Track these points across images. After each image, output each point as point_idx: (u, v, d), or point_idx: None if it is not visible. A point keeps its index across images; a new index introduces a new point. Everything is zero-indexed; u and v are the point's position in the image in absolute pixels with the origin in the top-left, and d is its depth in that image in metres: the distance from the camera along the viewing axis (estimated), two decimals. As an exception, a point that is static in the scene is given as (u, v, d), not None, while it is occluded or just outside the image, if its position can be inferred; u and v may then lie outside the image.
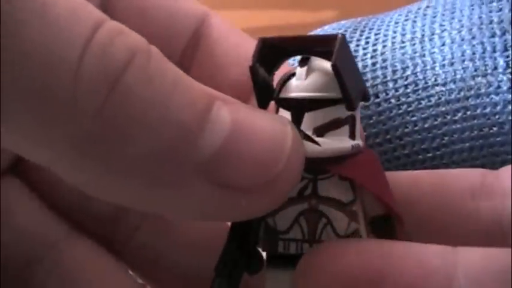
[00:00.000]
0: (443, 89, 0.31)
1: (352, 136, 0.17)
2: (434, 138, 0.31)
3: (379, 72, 0.33)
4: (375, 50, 0.34)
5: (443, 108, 0.31)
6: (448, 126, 0.31)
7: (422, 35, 0.33)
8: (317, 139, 0.17)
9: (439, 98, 0.31)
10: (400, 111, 0.32)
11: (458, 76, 0.31)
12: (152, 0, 0.23)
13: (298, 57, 0.18)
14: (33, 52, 0.14)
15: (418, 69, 0.32)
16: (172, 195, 0.15)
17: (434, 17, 0.34)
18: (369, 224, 0.18)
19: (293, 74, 0.17)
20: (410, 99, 0.32)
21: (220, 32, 0.23)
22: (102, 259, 0.21)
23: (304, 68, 0.17)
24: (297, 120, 0.17)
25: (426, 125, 0.31)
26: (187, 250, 0.23)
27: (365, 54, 0.34)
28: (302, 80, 0.17)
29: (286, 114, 0.17)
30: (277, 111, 0.18)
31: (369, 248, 0.17)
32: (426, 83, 0.32)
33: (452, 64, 0.31)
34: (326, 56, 0.17)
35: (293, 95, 0.17)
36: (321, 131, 0.17)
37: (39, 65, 0.14)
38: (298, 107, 0.17)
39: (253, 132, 0.15)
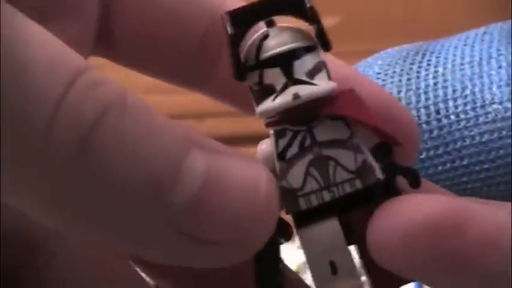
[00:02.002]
0: (500, 107, 0.34)
1: (330, 78, 0.18)
2: (491, 151, 0.35)
3: (440, 92, 0.37)
4: (436, 71, 0.38)
5: (499, 125, 0.34)
6: (503, 140, 0.34)
7: (480, 58, 0.37)
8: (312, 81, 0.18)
9: (496, 115, 0.35)
10: (459, 126, 0.36)
11: (514, 95, 0.34)
12: (158, 6, 0.22)
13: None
14: (7, 108, 0.13)
15: (477, 89, 0.36)
16: (142, 244, 0.15)
17: (491, 42, 0.38)
18: (372, 154, 0.18)
19: (264, 37, 0.18)
20: (469, 115, 0.36)
21: None
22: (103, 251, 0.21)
23: (275, 28, 0.18)
24: (288, 72, 0.18)
25: (483, 139, 0.35)
26: None
27: (427, 74, 0.38)
28: (277, 37, 0.18)
29: (273, 72, 0.18)
30: (261, 74, 0.18)
31: (447, 198, 0.17)
32: (484, 101, 0.35)
33: (508, 85, 0.35)
34: (295, 7, 0.18)
35: (277, 50, 0.18)
36: (311, 75, 0.18)
37: (12, 129, 0.13)
38: (286, 60, 0.18)
39: (227, 183, 0.15)
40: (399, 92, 0.38)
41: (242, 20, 0.18)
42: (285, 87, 0.18)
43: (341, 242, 0.18)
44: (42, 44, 0.14)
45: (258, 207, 0.15)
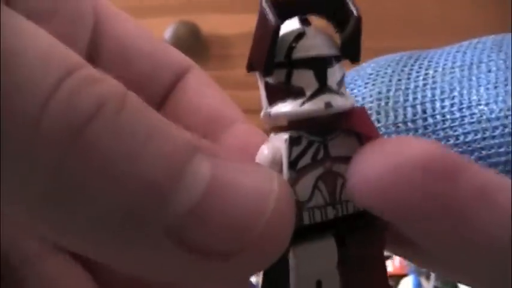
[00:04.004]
0: (485, 108, 0.34)
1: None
2: (473, 152, 0.34)
3: (428, 92, 0.37)
4: (426, 74, 0.38)
5: (484, 125, 0.34)
6: (486, 141, 0.34)
7: (471, 63, 0.37)
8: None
9: (481, 116, 0.34)
10: (445, 125, 0.35)
11: (500, 98, 0.34)
12: (138, 49, 0.22)
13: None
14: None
15: (465, 91, 0.36)
16: (137, 256, 0.14)
17: (483, 49, 0.38)
18: None
19: (299, 36, 0.17)
20: (454, 116, 0.35)
21: (197, 81, 0.23)
22: (75, 274, 0.20)
23: (311, 28, 0.17)
24: (322, 78, 0.17)
25: (467, 139, 0.34)
26: None
27: (417, 76, 0.38)
28: (313, 39, 0.17)
29: (305, 74, 0.17)
30: (290, 74, 0.17)
31: (441, 146, 0.16)
32: (470, 102, 0.35)
33: (496, 87, 0.35)
34: (334, 11, 0.17)
35: (315, 53, 0.17)
36: (339, 85, 0.17)
37: (4, 115, 0.13)
38: (321, 65, 0.17)
39: (232, 192, 0.14)
40: (388, 91, 0.38)
41: (283, 12, 0.16)
42: (316, 94, 0.17)
43: (334, 263, 0.18)
44: (35, 37, 0.14)
45: (269, 216, 0.14)
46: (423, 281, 0.89)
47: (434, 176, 0.15)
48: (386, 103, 0.38)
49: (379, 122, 0.38)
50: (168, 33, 0.93)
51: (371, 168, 0.16)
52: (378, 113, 0.38)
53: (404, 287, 0.91)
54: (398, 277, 0.92)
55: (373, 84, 0.39)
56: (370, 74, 0.40)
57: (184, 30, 0.97)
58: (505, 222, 0.15)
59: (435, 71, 0.38)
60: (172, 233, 0.14)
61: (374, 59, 0.43)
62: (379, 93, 0.38)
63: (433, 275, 0.86)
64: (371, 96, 0.39)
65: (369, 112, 0.41)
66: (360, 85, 0.40)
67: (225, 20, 0.96)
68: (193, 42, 0.92)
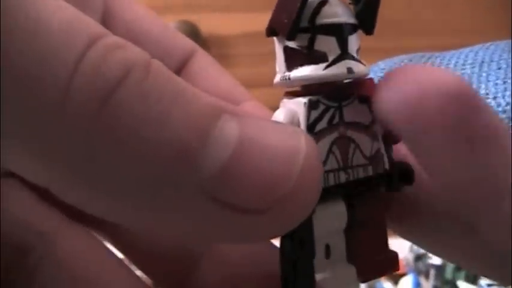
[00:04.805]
0: (493, 102, 0.35)
1: None
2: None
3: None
4: (437, 69, 0.39)
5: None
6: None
7: (482, 61, 0.38)
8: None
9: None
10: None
11: (508, 92, 0.35)
12: (147, 33, 0.23)
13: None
14: (22, 71, 0.13)
15: (474, 85, 0.36)
16: (172, 217, 0.14)
17: (495, 50, 0.39)
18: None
19: (322, 3, 0.17)
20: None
21: (202, 64, 0.23)
22: (98, 250, 0.20)
23: None
24: (343, 44, 0.17)
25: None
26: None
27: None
28: (335, 6, 0.17)
29: (329, 40, 0.17)
30: (313, 39, 0.17)
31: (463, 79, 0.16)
32: (478, 96, 0.36)
33: (504, 83, 0.35)
34: None
35: (337, 19, 0.17)
36: (357, 53, 0.18)
37: (28, 85, 0.13)
38: (343, 32, 0.17)
39: (261, 149, 0.14)
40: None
41: None
42: (339, 59, 0.17)
43: (343, 226, 0.18)
44: (58, 8, 0.14)
45: (297, 174, 0.14)
46: (422, 280, 0.90)
47: (457, 103, 0.15)
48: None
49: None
50: (168, 32, 0.94)
51: (402, 90, 0.16)
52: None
53: (404, 286, 0.92)
54: (398, 276, 0.92)
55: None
56: (383, 69, 0.41)
57: (184, 30, 0.97)
58: (508, 171, 0.16)
59: (447, 67, 0.38)
60: (206, 191, 0.14)
61: (387, 59, 0.43)
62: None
63: (432, 275, 0.87)
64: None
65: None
66: (371, 78, 0.41)
67: (225, 19, 0.97)
68: (193, 42, 0.92)
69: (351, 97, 0.18)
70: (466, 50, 0.39)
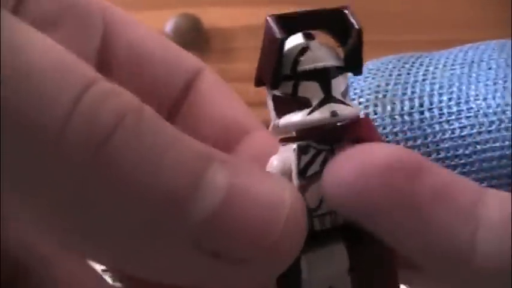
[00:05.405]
0: (483, 103, 0.34)
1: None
2: (468, 146, 0.34)
3: (427, 87, 0.37)
4: (427, 70, 0.38)
5: (480, 119, 0.34)
6: (482, 135, 0.34)
7: (472, 61, 0.37)
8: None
9: (478, 110, 0.34)
10: (441, 119, 0.35)
11: (498, 93, 0.34)
12: (150, 54, 0.22)
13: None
14: (15, 116, 0.13)
15: (463, 86, 0.36)
16: (159, 263, 0.15)
17: (485, 50, 0.38)
18: None
19: (303, 49, 0.18)
20: (451, 110, 0.35)
21: (209, 86, 0.23)
22: (92, 273, 0.20)
23: (315, 42, 0.18)
24: (326, 88, 0.17)
25: (463, 133, 0.34)
26: None
27: (417, 71, 0.38)
28: (317, 51, 0.18)
29: (311, 85, 0.17)
30: (296, 86, 0.18)
31: (406, 149, 0.17)
32: (468, 97, 0.35)
33: (495, 83, 0.35)
34: (337, 25, 0.18)
35: (319, 64, 0.17)
36: (344, 96, 0.18)
37: (22, 131, 0.13)
38: (325, 76, 0.17)
39: (249, 199, 0.15)
40: (387, 84, 0.38)
41: (287, 26, 0.17)
42: (322, 103, 0.17)
43: (345, 268, 0.18)
44: (46, 50, 0.14)
45: (283, 223, 0.15)
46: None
47: (399, 175, 0.16)
48: (384, 95, 0.38)
49: (375, 113, 0.38)
50: (169, 26, 0.93)
51: (342, 172, 0.16)
52: (375, 105, 0.38)
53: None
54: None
55: (373, 78, 0.39)
56: (371, 69, 0.40)
57: (185, 23, 0.97)
58: (462, 223, 0.16)
59: (436, 68, 0.38)
60: (192, 238, 0.14)
61: (375, 59, 0.43)
62: (378, 86, 0.38)
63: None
64: (369, 89, 0.39)
65: (366, 104, 0.41)
66: (359, 79, 0.40)
67: (227, 13, 0.96)
68: (194, 35, 0.91)
69: (344, 139, 0.18)
70: (456, 49, 0.39)
